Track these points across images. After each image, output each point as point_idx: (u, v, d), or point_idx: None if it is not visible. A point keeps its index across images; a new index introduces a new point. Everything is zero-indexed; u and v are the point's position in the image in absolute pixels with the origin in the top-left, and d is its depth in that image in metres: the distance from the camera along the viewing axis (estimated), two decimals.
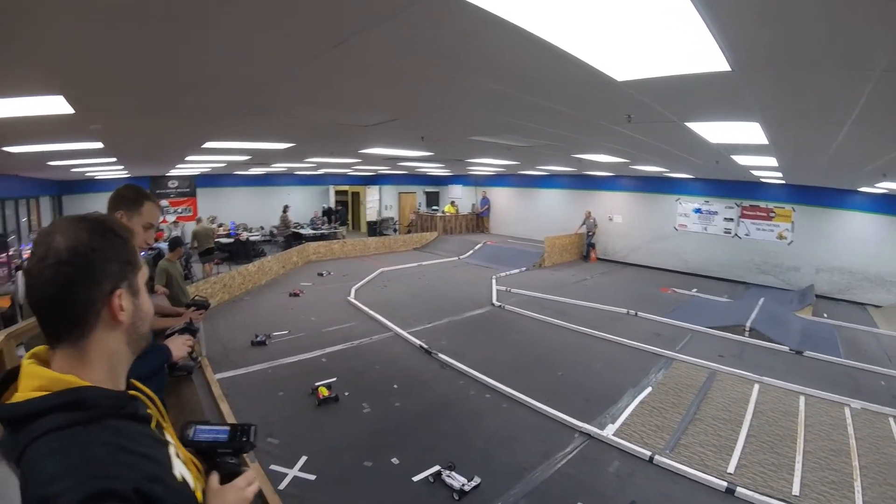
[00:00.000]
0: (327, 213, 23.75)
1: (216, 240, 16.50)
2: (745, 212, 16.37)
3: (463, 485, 4.69)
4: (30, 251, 1.10)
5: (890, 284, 13.69)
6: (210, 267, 14.71)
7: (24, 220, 13.89)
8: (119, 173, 15.40)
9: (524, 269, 17.39)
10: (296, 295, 12.68)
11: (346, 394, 6.71)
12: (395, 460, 5.20)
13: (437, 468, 5.00)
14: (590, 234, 20.00)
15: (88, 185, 17.12)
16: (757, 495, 4.64)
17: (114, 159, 10.78)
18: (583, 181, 20.56)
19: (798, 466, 5.17)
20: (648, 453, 5.29)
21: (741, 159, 9.10)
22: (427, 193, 28.97)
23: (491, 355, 8.38)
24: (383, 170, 20.97)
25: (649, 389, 7.02)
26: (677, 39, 2.66)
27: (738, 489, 4.72)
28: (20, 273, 9.54)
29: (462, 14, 2.32)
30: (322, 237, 20.63)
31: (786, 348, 9.05)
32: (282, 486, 4.72)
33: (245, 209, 22.20)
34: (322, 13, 2.39)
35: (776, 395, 6.98)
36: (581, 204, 20.60)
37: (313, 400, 6.49)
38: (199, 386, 6.53)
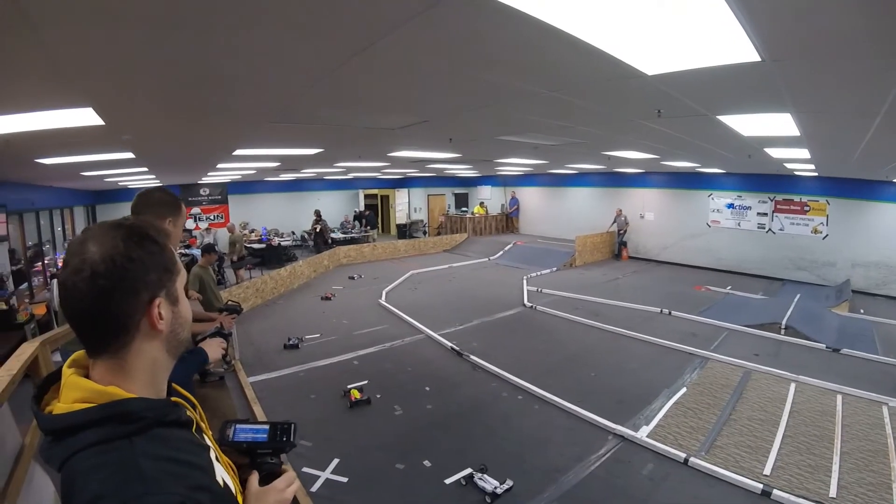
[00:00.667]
0: (357, 216, 23.86)
1: (247, 245, 16.69)
2: (778, 206, 16.01)
3: (495, 488, 4.65)
4: (63, 260, 1.06)
5: None
6: (242, 273, 14.90)
7: (58, 229, 14.19)
8: (151, 182, 15.66)
9: (555, 269, 17.30)
10: (327, 298, 12.79)
11: (378, 396, 6.72)
12: (426, 462, 5.19)
13: (469, 471, 4.97)
14: (621, 232, 19.81)
15: (122, 195, 17.39)
16: (793, 498, 4.52)
17: (145, 169, 10.97)
18: (613, 178, 20.36)
19: (835, 468, 5.03)
20: (683, 455, 5.19)
21: (774, 152, 8.91)
22: (456, 195, 28.99)
23: (522, 356, 8.33)
24: (412, 172, 21.05)
25: (684, 390, 6.90)
26: (706, 31, 2.60)
27: (775, 491, 4.60)
28: (55, 281, 9.76)
29: (488, 11, 2.30)
30: (353, 241, 20.76)
31: (822, 346, 8.84)
32: (314, 488, 4.75)
33: (276, 214, 22.39)
34: (349, 15, 2.39)
35: (813, 394, 6.81)
36: (611, 202, 20.42)
37: (345, 402, 6.52)
38: (232, 389, 6.65)
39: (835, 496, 4.58)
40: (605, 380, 7.41)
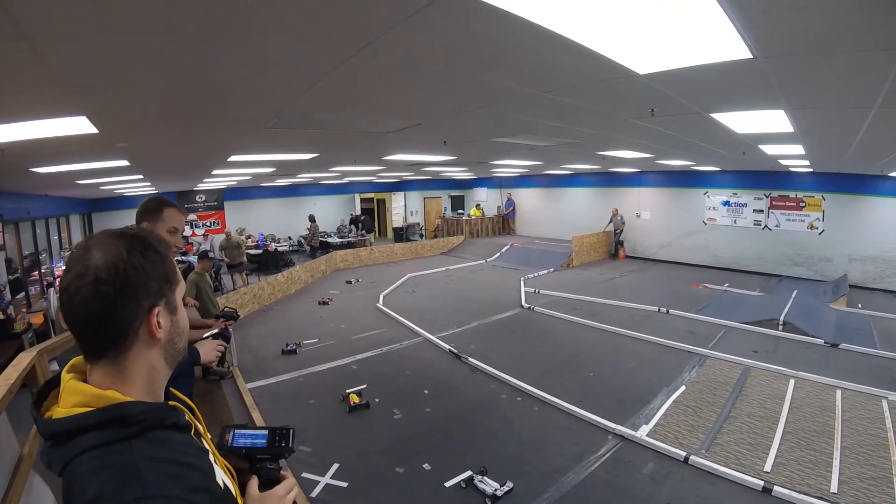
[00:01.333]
0: (354, 221, 23.86)
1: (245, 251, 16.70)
2: (774, 202, 16.06)
3: (495, 490, 4.65)
4: (64, 267, 1.08)
5: None
6: (240, 278, 14.89)
7: (55, 237, 14.18)
8: (147, 189, 15.66)
9: (552, 269, 17.31)
10: (325, 303, 12.77)
11: (377, 400, 6.71)
12: (426, 466, 5.17)
13: (468, 473, 4.96)
14: (617, 231, 19.85)
15: (118, 202, 17.46)
16: (794, 494, 4.52)
17: (140, 176, 10.96)
18: (608, 178, 20.41)
19: (836, 463, 5.03)
20: (683, 454, 5.19)
21: (768, 149, 8.94)
22: (452, 197, 29.00)
23: (521, 358, 8.33)
24: (408, 176, 21.05)
25: (683, 388, 6.90)
26: (697, 29, 2.60)
27: (776, 488, 4.60)
28: (52, 290, 9.75)
29: (479, 14, 2.30)
30: (349, 245, 20.76)
31: (820, 341, 8.86)
32: (314, 493, 4.74)
33: (272, 220, 22.39)
34: (342, 18, 2.39)
35: (812, 389, 6.82)
36: (607, 201, 20.48)
37: (344, 407, 6.50)
38: (230, 395, 6.64)
39: (836, 491, 4.58)
40: (605, 379, 7.40)
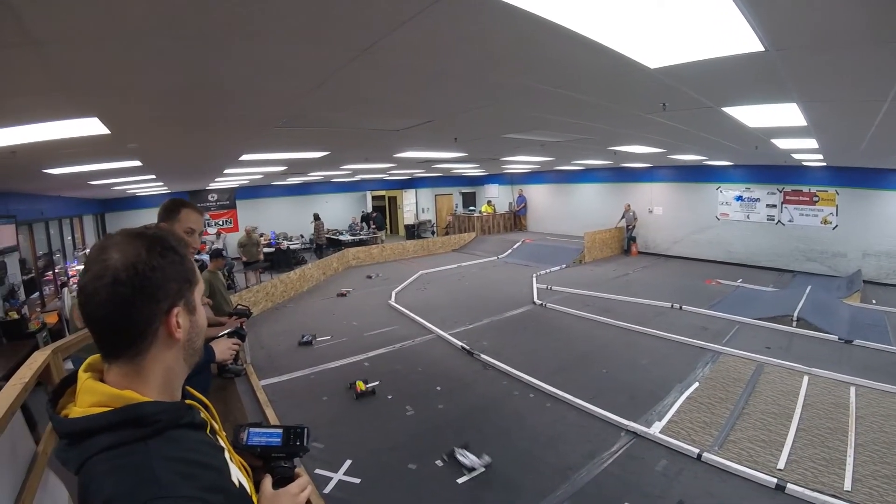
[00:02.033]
0: (365, 218, 23.91)
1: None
2: (787, 197, 15.89)
3: (473, 463, 4.89)
4: (83, 266, 1.08)
5: None
6: (254, 275, 15.00)
7: (68, 238, 14.32)
8: (159, 189, 15.81)
9: (564, 265, 17.26)
10: (343, 295, 13.04)
11: (390, 397, 6.74)
12: (438, 462, 5.18)
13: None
14: (630, 227, 19.75)
15: (130, 203, 17.64)
16: (807, 491, 4.48)
17: (153, 176, 11.04)
18: (620, 174, 20.31)
19: (849, 460, 4.98)
20: (696, 451, 5.17)
21: (781, 143, 8.85)
22: (463, 194, 29.02)
23: (533, 354, 8.32)
24: (419, 173, 21.08)
25: (696, 385, 6.87)
26: (708, 22, 2.58)
27: (789, 485, 4.57)
28: (66, 290, 9.84)
29: (488, 9, 2.29)
30: (361, 242, 20.83)
31: (834, 338, 8.79)
32: (327, 489, 4.76)
33: (284, 218, 22.52)
34: (349, 17, 2.39)
35: (826, 386, 6.76)
36: (619, 197, 20.36)
37: (356, 402, 6.56)
38: (243, 392, 6.67)
39: (850, 489, 4.54)
40: (617, 376, 7.38)
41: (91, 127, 4.35)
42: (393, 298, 12.69)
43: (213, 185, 18.98)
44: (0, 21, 1.94)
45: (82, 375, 1.04)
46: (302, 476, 1.37)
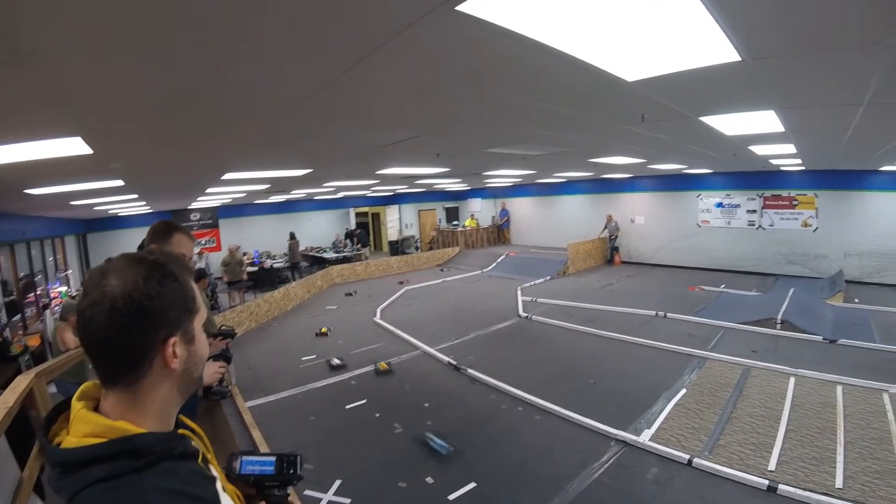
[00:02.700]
0: (349, 235, 23.85)
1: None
2: (767, 202, 16.16)
3: (441, 447, 5.19)
4: (83, 290, 1.07)
5: None
6: (238, 295, 14.91)
7: (50, 259, 14.14)
8: (141, 209, 15.68)
9: (548, 277, 17.31)
10: (323, 335, 11.33)
11: (377, 415, 6.69)
12: (429, 479, 5.15)
13: (473, 485, 4.99)
14: (612, 237, 19.93)
15: (112, 223, 17.55)
16: (799, 491, 4.52)
17: (135, 196, 10.96)
18: (601, 185, 20.53)
19: (840, 458, 5.03)
20: (687, 457, 5.18)
21: (759, 149, 8.99)
22: (446, 209, 29.10)
23: (521, 367, 8.32)
24: (402, 189, 21.11)
25: (684, 391, 6.90)
26: (684, 34, 2.62)
27: (780, 486, 4.60)
28: (48, 312, 9.72)
29: (467, 28, 2.32)
30: (345, 260, 20.75)
31: (819, 338, 8.90)
32: None
33: (268, 236, 22.41)
34: (331, 37, 2.40)
35: (812, 386, 6.83)
36: (601, 208, 20.54)
37: (345, 421, 6.53)
38: (230, 414, 6.59)
39: (841, 486, 4.58)
40: (605, 386, 7.39)
41: (74, 147, 4.31)
42: (378, 315, 12.63)
43: (195, 205, 18.86)
44: None
45: (76, 404, 1.03)
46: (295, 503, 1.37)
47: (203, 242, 20.60)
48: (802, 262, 15.53)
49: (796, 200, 15.50)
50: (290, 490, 1.42)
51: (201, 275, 7.76)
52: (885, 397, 6.35)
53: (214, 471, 1.19)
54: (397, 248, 26.03)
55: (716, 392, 6.81)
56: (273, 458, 1.39)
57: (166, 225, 3.00)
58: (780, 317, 9.66)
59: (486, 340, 10.17)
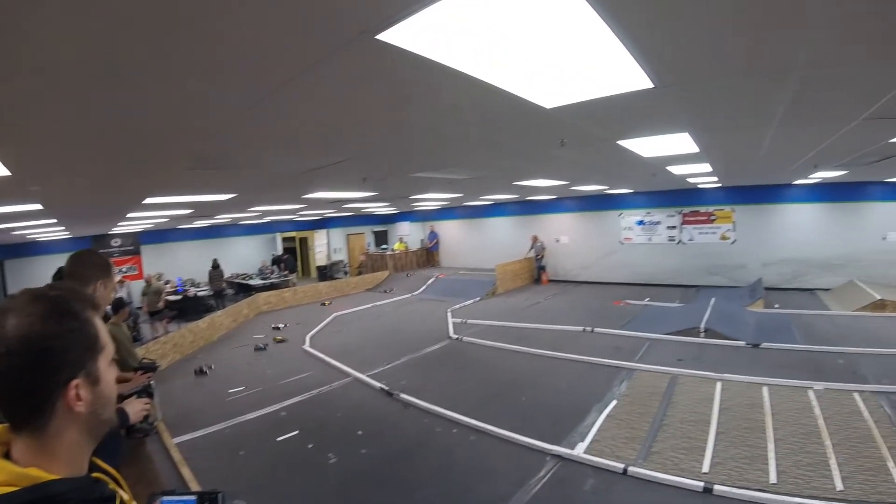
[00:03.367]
0: (276, 261, 23.39)
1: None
2: (686, 218, 16.95)
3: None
4: None
5: (836, 267, 14.39)
6: (161, 326, 14.39)
7: None
8: (61, 234, 15.03)
9: (478, 298, 17.41)
10: (262, 349, 12.13)
11: (310, 446, 6.53)
12: None
13: None
14: (539, 257, 20.28)
15: (31, 248, 16.82)
16: (734, 490, 4.68)
17: (54, 220, 10.53)
18: (527, 206, 20.98)
19: (771, 455, 5.24)
20: (622, 466, 5.29)
21: (676, 169, 9.37)
22: (375, 233, 28.98)
23: (453, 389, 8.31)
24: (330, 213, 20.92)
25: (615, 402, 7.05)
26: (599, 63, 2.73)
27: (716, 486, 4.75)
28: None
29: (388, 56, 2.36)
30: (272, 286, 20.31)
31: (742, 343, 9.25)
32: None
33: (192, 263, 21.52)
34: (257, 59, 2.39)
35: (739, 389, 7.10)
36: (528, 229, 20.97)
37: (277, 453, 6.36)
38: (155, 452, 6.30)
39: (776, 481, 4.76)
40: (538, 402, 7.47)
41: None
42: (307, 343, 12.38)
43: (115, 230, 18.16)
44: None
45: None
46: None
47: (124, 270, 19.72)
48: (722, 272, 16.31)
49: (714, 215, 16.34)
50: None
51: (120, 304, 7.41)
52: (811, 394, 6.68)
53: None
54: (326, 273, 25.71)
55: (646, 401, 7.00)
56: (194, 498, 1.36)
57: (105, 259, 2.90)
58: (703, 325, 10.00)
59: (417, 364, 10.13)
